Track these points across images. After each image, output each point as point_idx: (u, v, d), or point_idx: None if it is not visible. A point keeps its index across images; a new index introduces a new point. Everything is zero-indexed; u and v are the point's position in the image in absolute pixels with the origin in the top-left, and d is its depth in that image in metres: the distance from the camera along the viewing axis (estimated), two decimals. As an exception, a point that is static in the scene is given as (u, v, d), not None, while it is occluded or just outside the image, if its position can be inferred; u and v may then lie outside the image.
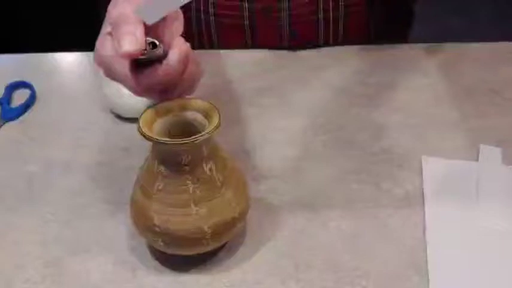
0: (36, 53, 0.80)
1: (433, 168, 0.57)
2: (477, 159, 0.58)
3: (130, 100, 0.64)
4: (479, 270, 0.48)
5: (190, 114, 0.47)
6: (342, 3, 0.76)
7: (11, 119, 0.68)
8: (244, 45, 0.79)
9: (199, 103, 0.46)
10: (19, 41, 1.45)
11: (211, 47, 0.82)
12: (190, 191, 0.45)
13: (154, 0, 0.44)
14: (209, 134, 0.43)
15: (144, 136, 0.43)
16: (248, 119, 0.67)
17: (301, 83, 0.72)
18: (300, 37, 0.78)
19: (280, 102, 0.69)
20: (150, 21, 0.44)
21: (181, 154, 0.44)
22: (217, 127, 0.44)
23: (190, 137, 0.43)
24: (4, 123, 0.68)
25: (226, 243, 0.50)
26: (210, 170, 0.46)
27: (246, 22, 0.77)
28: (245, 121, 0.66)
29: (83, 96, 0.72)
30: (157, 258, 0.50)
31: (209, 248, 0.48)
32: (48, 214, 0.55)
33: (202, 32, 0.81)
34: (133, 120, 0.66)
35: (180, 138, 0.43)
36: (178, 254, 0.48)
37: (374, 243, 0.51)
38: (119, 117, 0.67)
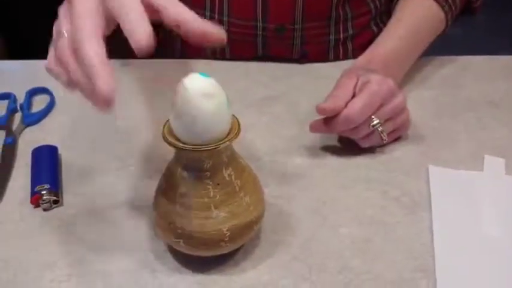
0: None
1: (440, 177, 0.60)
2: (480, 169, 0.61)
3: None
4: (484, 274, 0.50)
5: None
6: (351, 24, 0.79)
7: (32, 123, 0.70)
8: (255, 58, 0.82)
9: None
10: (35, 48, 1.47)
11: (223, 57, 0.84)
12: (211, 195, 0.47)
13: None
14: (230, 141, 0.46)
15: (170, 143, 0.46)
16: (259, 126, 0.69)
17: (310, 92, 0.75)
18: (311, 56, 0.81)
19: (289, 111, 0.72)
20: None
21: (203, 160, 0.46)
22: (237, 134, 0.46)
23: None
24: (25, 127, 0.70)
25: (242, 245, 0.52)
26: (229, 175, 0.48)
27: (259, 39, 0.79)
28: (256, 129, 0.69)
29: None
30: (176, 260, 0.52)
31: (227, 250, 0.50)
32: (70, 217, 0.57)
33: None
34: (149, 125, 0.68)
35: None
36: (197, 255, 0.50)
37: (383, 248, 0.53)
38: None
